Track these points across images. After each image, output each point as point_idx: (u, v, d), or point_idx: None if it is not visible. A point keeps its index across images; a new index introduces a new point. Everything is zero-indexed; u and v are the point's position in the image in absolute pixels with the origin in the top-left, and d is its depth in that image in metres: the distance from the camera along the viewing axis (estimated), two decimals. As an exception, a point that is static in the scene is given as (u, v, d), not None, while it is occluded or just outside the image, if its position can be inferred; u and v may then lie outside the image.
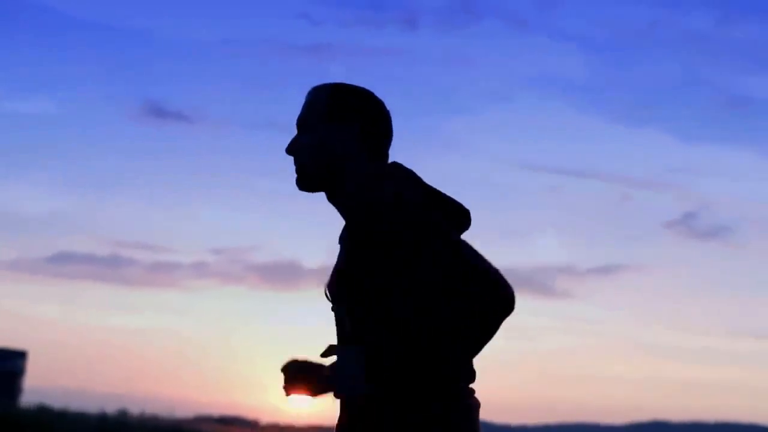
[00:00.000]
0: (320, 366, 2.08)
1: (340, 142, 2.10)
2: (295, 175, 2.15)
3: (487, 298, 1.92)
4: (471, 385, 2.04)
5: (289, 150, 2.15)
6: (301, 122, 2.16)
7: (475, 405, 2.03)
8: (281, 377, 2.12)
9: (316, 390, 2.08)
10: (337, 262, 2.12)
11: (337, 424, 2.09)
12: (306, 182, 2.14)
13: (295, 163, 2.15)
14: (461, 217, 2.10)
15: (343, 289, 2.04)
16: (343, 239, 2.13)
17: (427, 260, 1.95)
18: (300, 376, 2.08)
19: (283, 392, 2.12)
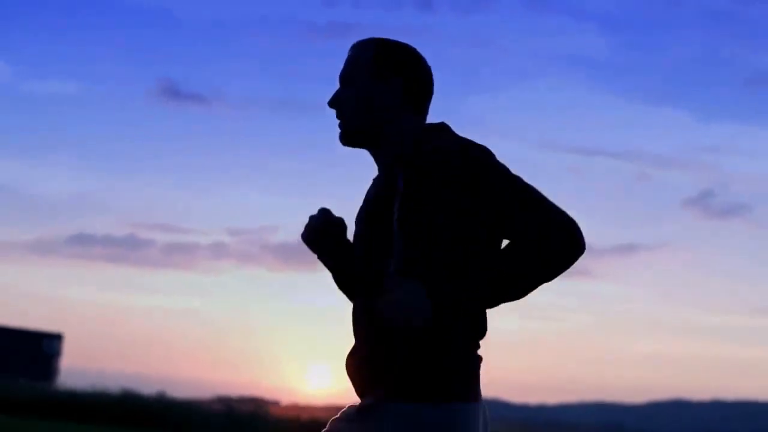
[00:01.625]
0: (346, 229, 2.14)
1: (385, 98, 2.11)
2: (338, 130, 2.15)
3: (565, 238, 1.98)
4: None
5: (332, 103, 2.15)
6: (345, 76, 2.15)
7: (480, 358, 2.08)
8: (307, 223, 2.14)
9: (335, 255, 2.13)
10: (368, 207, 2.14)
11: (352, 356, 2.10)
12: (350, 137, 2.14)
13: (338, 116, 2.15)
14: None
15: (408, 219, 2.02)
16: (376, 187, 2.14)
17: (505, 200, 1.99)
18: (329, 230, 2.12)
19: (303, 241, 2.15)
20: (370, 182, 2.19)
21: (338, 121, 2.15)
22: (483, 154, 2.02)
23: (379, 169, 2.16)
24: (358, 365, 2.07)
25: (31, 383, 21.98)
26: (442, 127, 2.13)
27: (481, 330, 2.04)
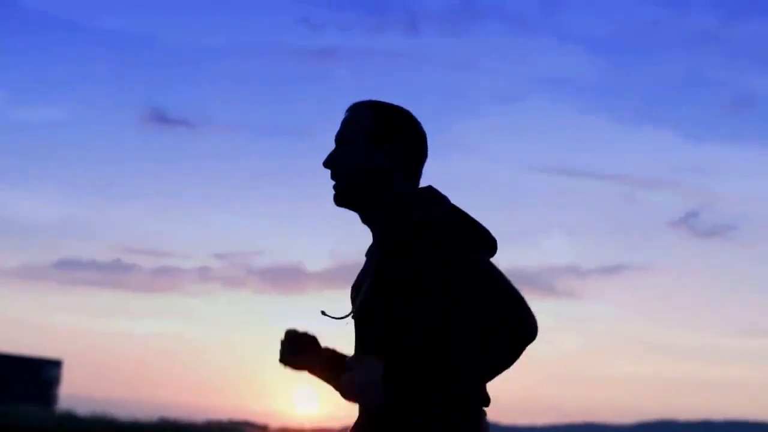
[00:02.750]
0: (318, 346, 2.15)
1: (382, 163, 2.08)
2: (333, 191, 2.11)
3: (514, 327, 1.90)
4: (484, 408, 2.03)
5: (328, 163, 2.11)
6: (342, 138, 2.11)
7: (485, 426, 2.02)
8: (280, 348, 2.15)
9: (314, 364, 2.14)
10: (362, 276, 2.12)
11: (355, 424, 2.07)
12: (344, 198, 2.10)
13: (333, 177, 2.11)
14: (489, 243, 2.04)
15: (370, 305, 2.02)
16: (371, 255, 2.11)
17: (455, 285, 1.93)
18: (299, 347, 2.13)
19: (281, 364, 2.16)
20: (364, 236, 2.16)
21: (332, 182, 2.11)
22: (450, 231, 1.96)
23: (373, 235, 2.13)
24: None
25: (32, 409, 22.09)
26: (426, 196, 2.07)
27: (485, 398, 2.00)
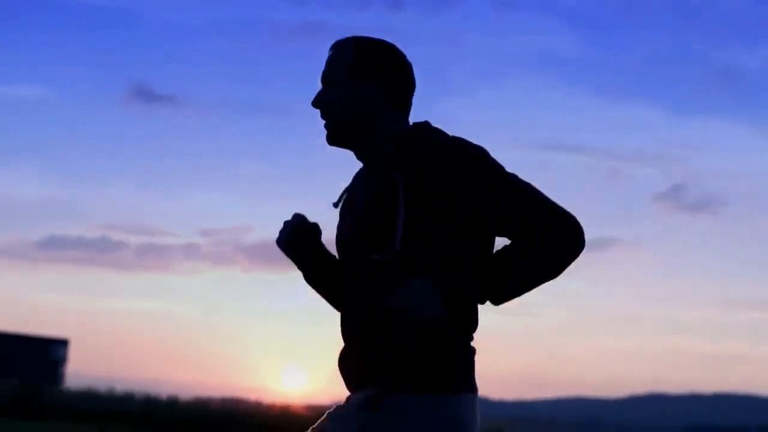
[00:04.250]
0: (319, 232, 2.13)
1: (369, 98, 2.07)
2: (324, 130, 2.10)
3: (567, 238, 1.98)
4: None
5: (316, 103, 2.11)
6: (327, 77, 2.10)
7: (473, 350, 2.04)
8: (281, 228, 2.12)
9: (308, 255, 2.13)
10: (352, 219, 2.08)
11: (346, 366, 2.06)
12: (337, 136, 2.09)
13: (323, 117, 2.10)
14: None
15: (384, 237, 1.98)
16: (366, 185, 2.08)
17: (504, 199, 1.96)
18: (303, 234, 2.11)
19: (278, 245, 2.13)
20: (347, 179, 2.17)
21: (323, 122, 2.10)
22: (478, 152, 1.98)
23: (365, 166, 2.12)
24: (354, 365, 2.03)
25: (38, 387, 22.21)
26: (429, 126, 2.08)
27: (474, 322, 2.01)
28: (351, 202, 2.12)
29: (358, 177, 2.14)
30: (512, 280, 1.98)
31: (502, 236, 2.01)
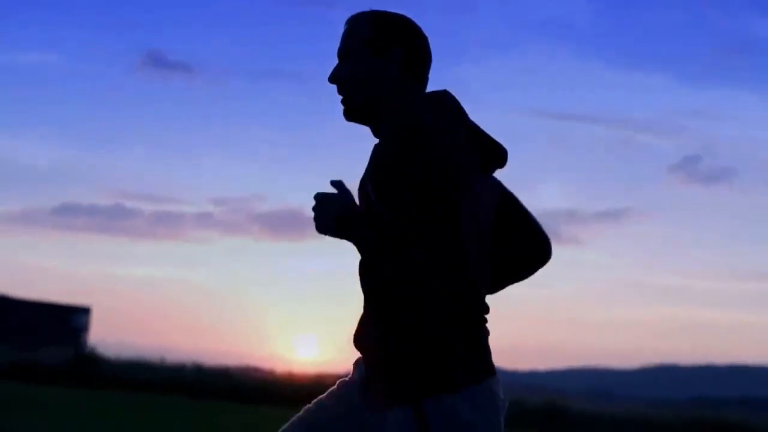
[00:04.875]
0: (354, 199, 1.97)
1: (385, 71, 2.04)
2: (341, 106, 2.07)
3: (528, 246, 2.06)
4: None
5: (333, 79, 2.07)
6: (343, 52, 2.07)
7: (487, 332, 1.99)
8: (323, 209, 1.94)
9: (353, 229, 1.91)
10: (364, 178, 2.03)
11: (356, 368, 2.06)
12: (354, 112, 2.06)
13: (340, 92, 2.07)
14: (497, 155, 2.06)
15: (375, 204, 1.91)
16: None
17: (453, 197, 1.87)
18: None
19: (324, 232, 1.95)
20: (363, 150, 2.07)
21: (340, 97, 2.07)
22: (423, 132, 1.88)
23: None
24: (366, 342, 2.00)
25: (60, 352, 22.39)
26: (433, 100, 2.02)
27: (479, 308, 1.96)
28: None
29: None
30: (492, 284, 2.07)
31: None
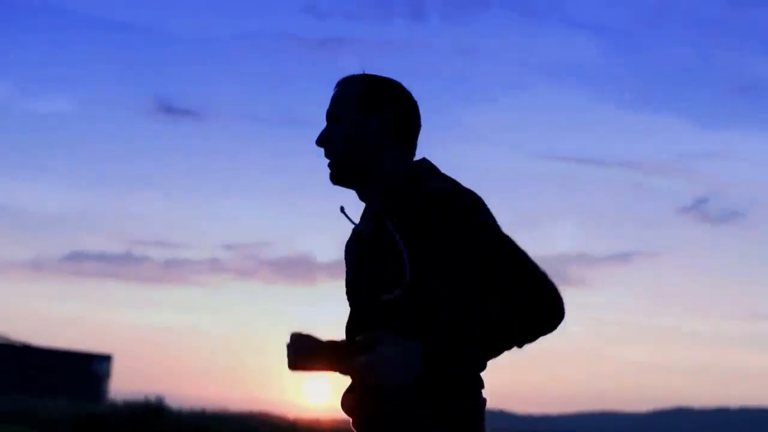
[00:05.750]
0: (322, 342, 1.96)
1: (374, 134, 1.99)
2: (329, 170, 2.03)
3: (544, 306, 1.86)
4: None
5: (320, 142, 2.03)
6: (332, 114, 2.03)
7: (484, 401, 1.97)
8: (285, 353, 1.98)
9: (321, 367, 1.96)
10: (358, 246, 2.02)
11: (358, 413, 1.97)
12: (340, 175, 2.02)
13: (327, 155, 2.03)
14: None
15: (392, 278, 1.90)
16: (367, 227, 2.00)
17: (483, 256, 1.85)
18: (306, 350, 1.95)
19: (289, 369, 1.98)
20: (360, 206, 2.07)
21: (327, 160, 2.02)
22: (474, 201, 1.89)
23: (367, 206, 2.04)
24: (355, 409, 1.96)
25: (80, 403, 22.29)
26: (429, 167, 2.00)
27: (478, 379, 1.93)
28: (353, 243, 2.05)
29: (363, 217, 2.05)
30: (486, 342, 1.84)
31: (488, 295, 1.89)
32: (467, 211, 1.87)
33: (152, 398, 19.46)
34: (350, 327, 2.03)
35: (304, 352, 1.96)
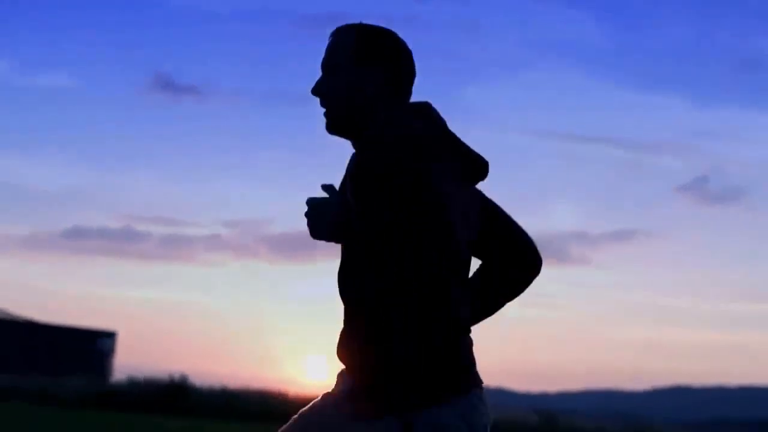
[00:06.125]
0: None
1: (369, 84, 2.01)
2: (324, 119, 2.05)
3: (516, 255, 1.99)
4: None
5: (316, 91, 2.05)
6: (327, 64, 2.05)
7: (471, 342, 1.99)
8: (315, 214, 1.94)
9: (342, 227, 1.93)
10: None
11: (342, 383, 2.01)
12: (336, 125, 2.03)
13: (323, 105, 2.05)
14: (477, 167, 2.02)
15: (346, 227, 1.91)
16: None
17: (415, 210, 1.85)
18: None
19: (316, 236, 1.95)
20: None
21: (323, 110, 2.04)
22: (386, 170, 1.86)
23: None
24: (346, 352, 1.99)
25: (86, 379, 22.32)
26: (410, 112, 2.00)
27: (463, 317, 1.94)
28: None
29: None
30: (486, 302, 1.97)
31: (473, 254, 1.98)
32: (367, 176, 1.85)
33: (176, 376, 19.57)
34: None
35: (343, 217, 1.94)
